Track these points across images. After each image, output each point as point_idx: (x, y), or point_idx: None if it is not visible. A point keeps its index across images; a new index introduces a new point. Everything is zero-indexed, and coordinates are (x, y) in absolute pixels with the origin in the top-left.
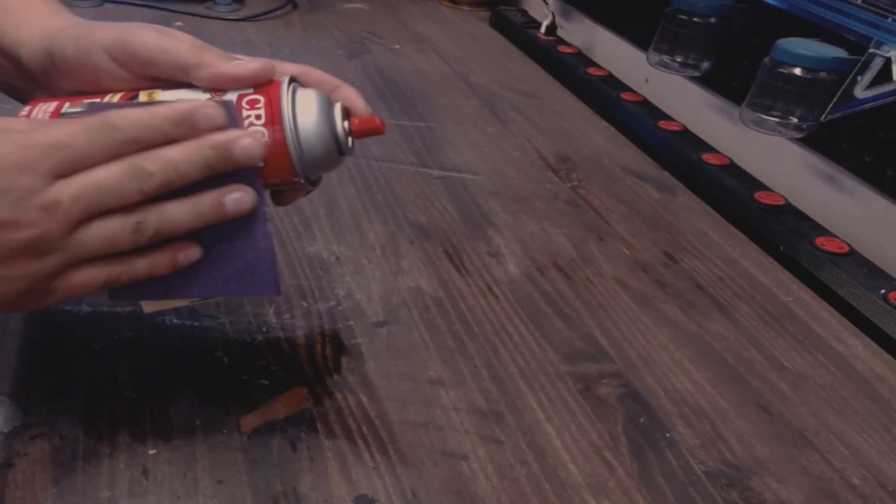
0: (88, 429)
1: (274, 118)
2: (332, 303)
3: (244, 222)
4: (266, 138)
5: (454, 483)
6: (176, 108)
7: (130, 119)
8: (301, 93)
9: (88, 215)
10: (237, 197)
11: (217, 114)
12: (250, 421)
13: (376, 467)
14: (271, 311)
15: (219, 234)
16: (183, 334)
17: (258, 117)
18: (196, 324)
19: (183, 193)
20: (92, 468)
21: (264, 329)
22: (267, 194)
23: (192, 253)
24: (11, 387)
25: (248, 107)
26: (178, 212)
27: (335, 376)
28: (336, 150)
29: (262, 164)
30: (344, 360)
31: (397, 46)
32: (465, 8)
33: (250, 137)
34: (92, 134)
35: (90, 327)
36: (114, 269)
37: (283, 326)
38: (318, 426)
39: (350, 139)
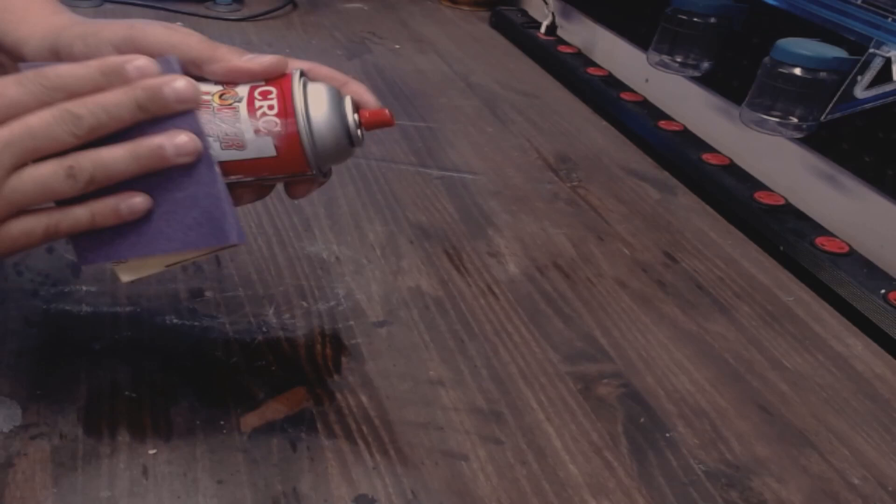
0: (88, 429)
1: (287, 110)
2: (332, 303)
3: (192, 171)
4: (279, 128)
5: (454, 483)
6: (106, 60)
7: (61, 69)
8: (312, 86)
9: (21, 161)
10: (179, 141)
11: (147, 65)
12: (250, 421)
13: (376, 467)
14: (271, 311)
15: (169, 184)
16: (183, 334)
17: (271, 108)
18: (196, 324)
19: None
20: (92, 468)
21: (264, 329)
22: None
23: (136, 202)
24: (11, 387)
25: (260, 97)
26: (115, 156)
27: (335, 376)
28: (347, 141)
29: (197, 108)
30: (344, 360)
31: (397, 46)
32: (465, 8)
33: (184, 80)
34: (23, 84)
35: (90, 327)
36: (52, 216)
37: (283, 326)
38: (318, 426)
39: (360, 131)
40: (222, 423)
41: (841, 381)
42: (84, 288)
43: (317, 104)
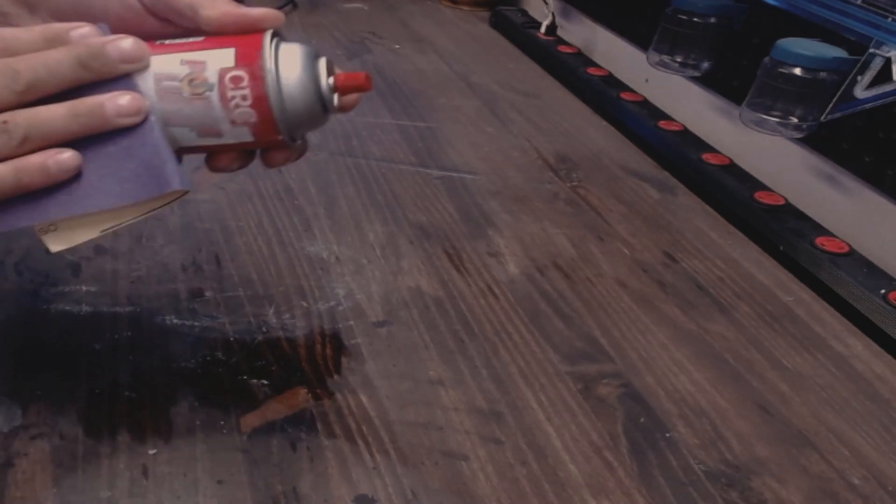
0: (88, 429)
1: (260, 98)
2: (332, 303)
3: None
4: (255, 119)
5: (454, 483)
6: (50, 25)
7: (3, 31)
8: (285, 47)
9: None
10: (121, 102)
11: (91, 33)
12: (250, 421)
13: (376, 467)
14: (271, 311)
15: (101, 137)
16: (183, 334)
17: (244, 98)
18: (196, 324)
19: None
20: (92, 468)
21: (264, 329)
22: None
23: (64, 158)
24: (11, 387)
25: (232, 86)
26: (52, 114)
27: (335, 376)
28: (320, 106)
29: (143, 71)
30: (344, 360)
31: (397, 46)
32: (465, 8)
33: (131, 40)
34: None
35: (90, 327)
36: None
37: (283, 326)
38: (318, 426)
39: (335, 95)
40: (222, 423)
41: (841, 381)
42: (84, 288)
43: (289, 70)
